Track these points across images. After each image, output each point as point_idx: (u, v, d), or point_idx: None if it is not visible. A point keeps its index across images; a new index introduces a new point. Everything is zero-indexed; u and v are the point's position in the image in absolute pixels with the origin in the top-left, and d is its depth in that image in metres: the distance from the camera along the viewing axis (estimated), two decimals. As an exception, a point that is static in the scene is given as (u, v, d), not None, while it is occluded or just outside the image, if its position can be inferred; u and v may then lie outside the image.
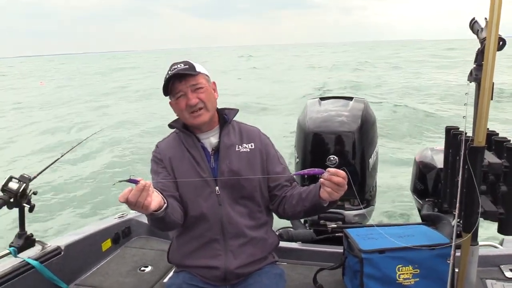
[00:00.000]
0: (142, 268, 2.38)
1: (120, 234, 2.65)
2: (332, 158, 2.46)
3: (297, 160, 2.71)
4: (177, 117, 1.78)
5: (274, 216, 1.87)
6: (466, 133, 1.51)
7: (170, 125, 1.80)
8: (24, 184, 1.95)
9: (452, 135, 1.61)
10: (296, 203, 1.69)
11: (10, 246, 1.99)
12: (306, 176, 1.54)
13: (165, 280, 2.23)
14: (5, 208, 1.92)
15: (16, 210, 1.99)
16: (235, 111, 1.81)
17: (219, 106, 1.79)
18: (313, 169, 1.49)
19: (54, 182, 7.15)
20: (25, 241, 2.03)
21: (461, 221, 1.51)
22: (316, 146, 2.55)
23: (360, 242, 1.87)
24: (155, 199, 1.40)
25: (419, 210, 2.71)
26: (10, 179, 1.93)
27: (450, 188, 1.64)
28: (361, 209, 2.57)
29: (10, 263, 2.00)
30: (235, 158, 1.72)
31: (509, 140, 1.51)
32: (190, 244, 1.73)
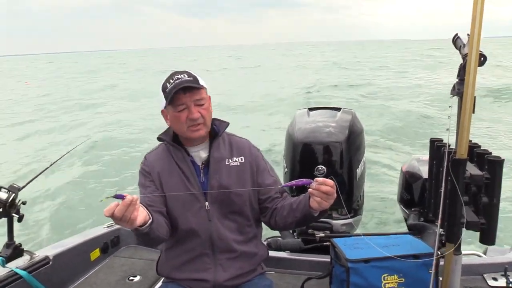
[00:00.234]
0: (131, 278, 2.38)
1: (109, 244, 2.64)
2: (320, 168, 2.50)
3: (286, 170, 2.74)
4: (168, 126, 1.76)
5: (263, 225, 1.88)
6: (449, 145, 1.55)
7: (159, 138, 1.78)
8: (13, 194, 1.95)
9: (436, 147, 1.65)
10: (287, 214, 1.69)
11: None
12: (294, 187, 1.56)
13: None
14: (-7, 218, 1.92)
15: (4, 220, 1.99)
16: (226, 124, 1.79)
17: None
18: (301, 179, 1.50)
19: (42, 191, 7.07)
20: (13, 251, 2.03)
21: (444, 231, 1.55)
22: (305, 156, 2.59)
23: (346, 251, 1.89)
24: (141, 215, 1.39)
25: (406, 220, 2.74)
26: None
27: (434, 199, 1.68)
28: (348, 218, 2.61)
29: None
30: (225, 173, 1.71)
31: (490, 153, 1.56)
32: (180, 257, 1.73)
